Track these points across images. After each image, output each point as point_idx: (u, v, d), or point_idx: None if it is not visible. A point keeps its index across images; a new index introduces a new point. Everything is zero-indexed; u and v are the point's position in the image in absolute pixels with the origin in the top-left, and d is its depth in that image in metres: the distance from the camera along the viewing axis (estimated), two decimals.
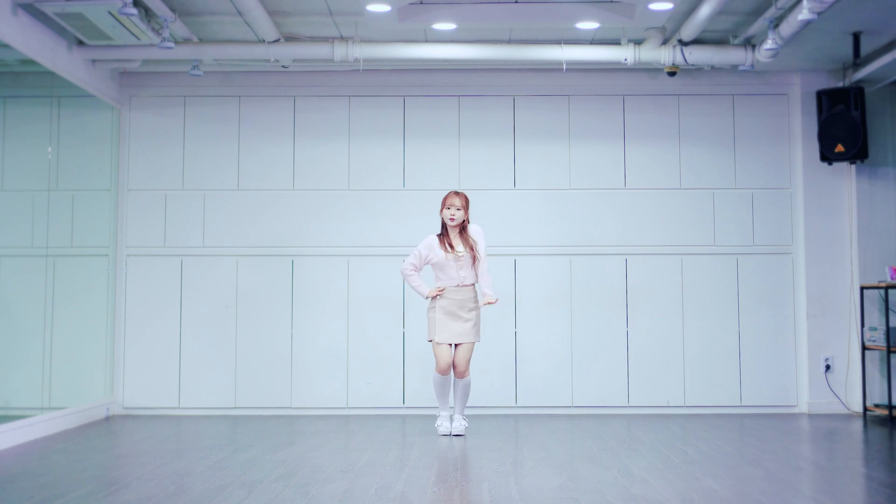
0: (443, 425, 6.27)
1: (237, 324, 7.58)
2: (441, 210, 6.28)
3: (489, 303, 6.24)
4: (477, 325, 6.26)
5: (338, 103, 7.73)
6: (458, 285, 6.21)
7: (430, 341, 6.27)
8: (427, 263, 6.30)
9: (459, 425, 6.28)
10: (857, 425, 6.81)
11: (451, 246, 6.22)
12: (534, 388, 7.52)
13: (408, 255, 6.48)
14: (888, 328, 6.98)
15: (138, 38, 6.73)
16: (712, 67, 7.48)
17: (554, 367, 7.54)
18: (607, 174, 7.69)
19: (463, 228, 6.27)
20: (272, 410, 7.50)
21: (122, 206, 7.65)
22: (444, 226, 6.31)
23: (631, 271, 7.62)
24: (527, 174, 7.69)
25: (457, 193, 6.27)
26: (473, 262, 6.23)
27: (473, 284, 6.27)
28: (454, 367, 6.24)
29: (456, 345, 6.24)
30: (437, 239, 6.28)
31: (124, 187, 7.66)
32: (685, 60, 7.08)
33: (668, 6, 6.37)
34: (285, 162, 7.70)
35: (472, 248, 6.22)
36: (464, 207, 6.23)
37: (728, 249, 7.64)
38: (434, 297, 6.21)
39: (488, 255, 6.51)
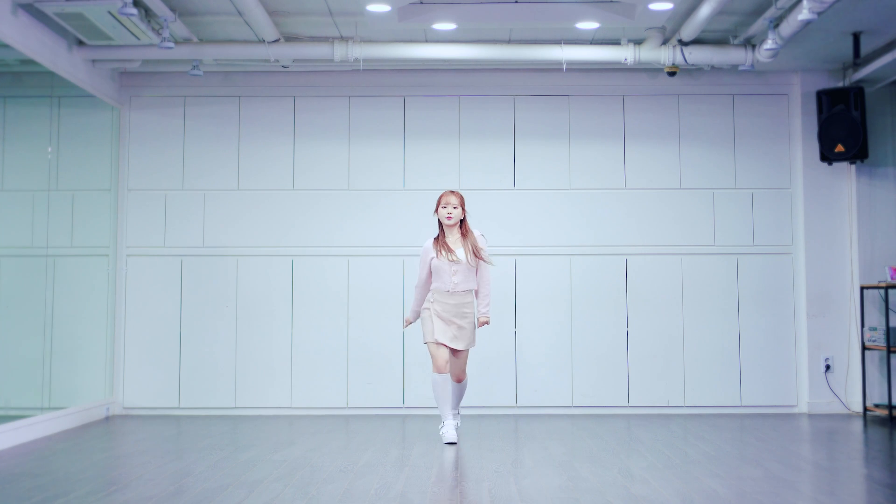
0: (448, 433, 5.94)
1: (237, 324, 7.58)
2: (436, 210, 6.02)
3: (483, 323, 6.04)
4: (473, 331, 6.03)
5: (338, 103, 7.74)
6: (449, 291, 5.94)
7: (426, 343, 6.01)
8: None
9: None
10: (857, 425, 6.81)
11: (450, 248, 5.96)
12: (534, 388, 7.52)
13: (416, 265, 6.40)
14: (888, 328, 6.98)
15: (138, 38, 6.73)
16: (712, 67, 7.49)
17: (554, 367, 7.54)
18: (607, 174, 7.69)
19: (463, 230, 6.02)
20: (272, 410, 7.50)
21: (122, 206, 7.65)
22: (440, 227, 6.06)
23: (631, 271, 7.62)
24: (527, 174, 7.69)
25: (452, 192, 6.04)
26: (475, 266, 5.99)
27: (469, 290, 5.99)
28: (451, 374, 6.02)
29: (451, 350, 5.99)
30: (432, 242, 6.04)
31: (124, 187, 7.66)
32: (685, 60, 7.08)
33: (668, 6, 6.37)
34: (285, 162, 7.70)
35: (475, 253, 5.96)
36: (461, 205, 5.98)
37: (728, 249, 7.64)
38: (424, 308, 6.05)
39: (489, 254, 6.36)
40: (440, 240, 6.03)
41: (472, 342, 6.05)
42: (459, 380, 6.11)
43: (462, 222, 6.04)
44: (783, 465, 5.15)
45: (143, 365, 7.53)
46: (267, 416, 7.36)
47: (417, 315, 6.16)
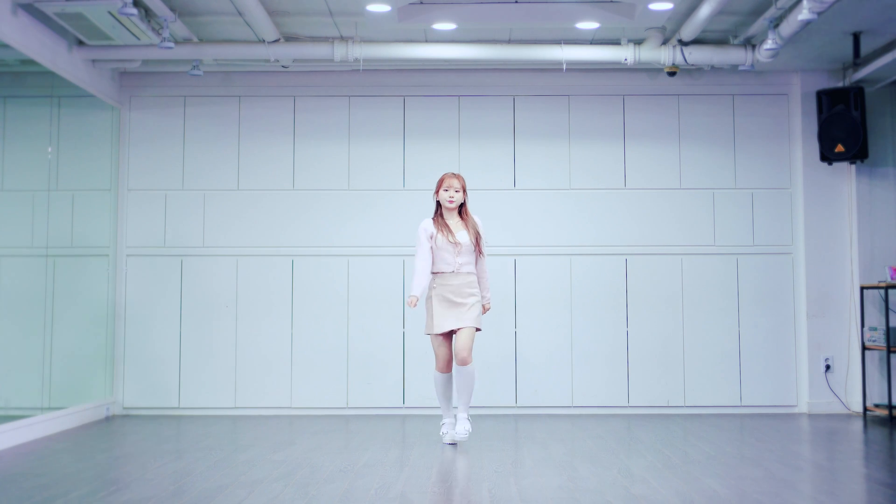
0: (448, 433, 5.88)
1: (237, 324, 7.58)
2: (436, 192, 5.88)
3: (486, 309, 5.98)
4: (477, 311, 5.81)
5: (338, 103, 7.74)
6: (453, 272, 5.82)
7: (429, 335, 5.86)
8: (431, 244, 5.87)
9: (462, 429, 5.78)
10: (857, 425, 6.81)
11: (451, 230, 5.84)
12: (534, 388, 7.52)
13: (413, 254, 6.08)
14: (888, 328, 6.98)
15: (138, 38, 6.73)
16: (712, 67, 7.49)
17: (554, 367, 7.54)
18: (607, 174, 7.69)
19: (463, 214, 5.90)
20: (272, 410, 7.50)
21: (122, 206, 7.65)
22: (438, 209, 5.94)
23: (631, 271, 7.62)
24: (527, 174, 7.69)
25: (454, 174, 5.90)
26: (476, 249, 5.86)
27: (472, 272, 5.86)
28: (455, 353, 5.78)
29: (455, 331, 5.78)
30: (431, 221, 5.91)
31: (124, 187, 7.67)
32: (685, 60, 7.08)
33: (668, 6, 6.37)
34: (285, 162, 7.70)
35: (476, 236, 5.86)
36: (462, 189, 5.87)
37: (728, 249, 7.64)
38: (430, 288, 5.84)
39: (487, 254, 6.27)
40: (440, 221, 5.91)
41: (476, 321, 5.79)
42: (465, 362, 5.72)
43: (462, 206, 5.94)
44: (783, 465, 5.15)
45: (143, 365, 7.53)
46: (267, 416, 7.36)
47: (422, 290, 5.85)
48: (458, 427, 5.82)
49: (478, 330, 5.86)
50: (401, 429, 6.68)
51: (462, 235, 5.86)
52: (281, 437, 6.29)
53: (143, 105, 7.72)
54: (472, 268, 5.89)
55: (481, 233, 5.94)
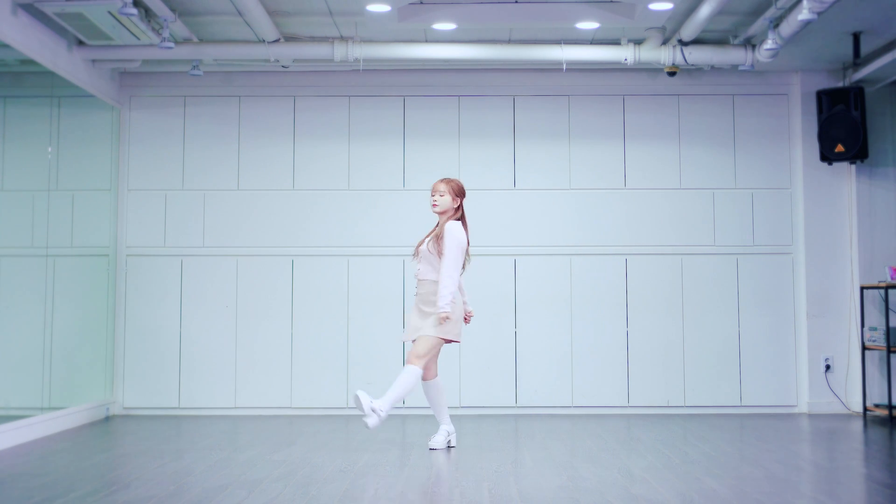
0: (434, 439, 5.74)
1: (237, 324, 7.58)
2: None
3: (441, 318, 5.48)
4: (435, 320, 5.52)
5: (338, 103, 7.74)
6: (417, 278, 5.66)
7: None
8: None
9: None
10: (857, 425, 6.81)
11: (426, 236, 5.73)
12: (534, 388, 7.52)
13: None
14: (888, 328, 6.98)
15: (138, 38, 6.73)
16: (712, 67, 7.49)
17: (554, 367, 7.54)
18: (607, 174, 7.69)
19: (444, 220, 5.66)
20: (272, 410, 7.50)
21: (122, 206, 7.65)
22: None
23: (631, 271, 7.62)
24: (527, 174, 7.69)
25: (442, 179, 5.69)
26: (439, 258, 5.56)
27: (436, 281, 5.56)
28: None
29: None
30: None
31: (124, 187, 7.67)
32: (685, 60, 7.08)
33: (668, 6, 6.37)
34: (285, 162, 7.70)
35: (437, 242, 5.59)
36: (449, 193, 5.62)
37: (728, 249, 7.64)
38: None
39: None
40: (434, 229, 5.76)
41: (434, 329, 5.52)
42: (408, 361, 5.56)
43: (447, 210, 5.65)
44: (783, 465, 5.15)
45: (143, 365, 7.53)
46: (267, 416, 7.36)
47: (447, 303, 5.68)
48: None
49: (451, 341, 5.59)
50: (401, 429, 6.68)
51: (427, 242, 5.68)
52: (281, 437, 6.29)
53: (143, 105, 7.72)
54: (431, 276, 5.59)
55: (445, 235, 5.58)
